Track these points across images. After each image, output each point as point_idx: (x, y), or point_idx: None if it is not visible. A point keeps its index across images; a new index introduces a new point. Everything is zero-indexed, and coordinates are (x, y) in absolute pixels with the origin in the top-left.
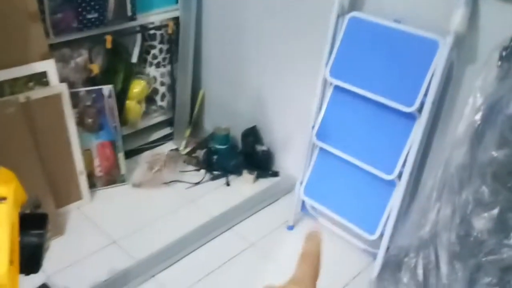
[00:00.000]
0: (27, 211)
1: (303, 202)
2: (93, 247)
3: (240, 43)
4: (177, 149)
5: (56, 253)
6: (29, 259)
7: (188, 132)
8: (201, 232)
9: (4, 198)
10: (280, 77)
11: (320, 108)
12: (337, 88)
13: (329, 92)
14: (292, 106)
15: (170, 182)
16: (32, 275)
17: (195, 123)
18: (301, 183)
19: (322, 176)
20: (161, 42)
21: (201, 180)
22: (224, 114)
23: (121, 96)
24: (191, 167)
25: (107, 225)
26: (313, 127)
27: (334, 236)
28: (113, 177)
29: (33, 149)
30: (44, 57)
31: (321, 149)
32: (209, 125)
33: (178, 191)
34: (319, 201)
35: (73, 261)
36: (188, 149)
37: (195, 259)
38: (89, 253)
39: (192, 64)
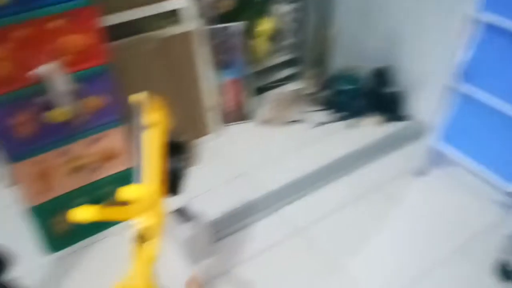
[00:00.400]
0: (172, 139)
1: (434, 148)
2: (223, 178)
3: None
4: (303, 88)
5: (191, 180)
6: (173, 182)
7: (314, 72)
8: (325, 172)
9: (156, 124)
10: (419, 13)
11: (464, 49)
12: (488, 27)
13: (477, 31)
14: (429, 46)
15: (295, 121)
16: (172, 198)
17: (323, 62)
18: (435, 128)
19: (461, 122)
20: None
21: (326, 121)
22: (353, 54)
23: (250, 32)
24: (316, 107)
25: (236, 159)
26: (455, 69)
27: (466, 187)
28: (241, 114)
29: (169, 82)
30: None
31: (462, 93)
32: (336, 65)
33: (302, 130)
34: (457, 148)
35: (205, 189)
36: (314, 89)
37: (319, 198)
38: (219, 183)
39: (323, 1)
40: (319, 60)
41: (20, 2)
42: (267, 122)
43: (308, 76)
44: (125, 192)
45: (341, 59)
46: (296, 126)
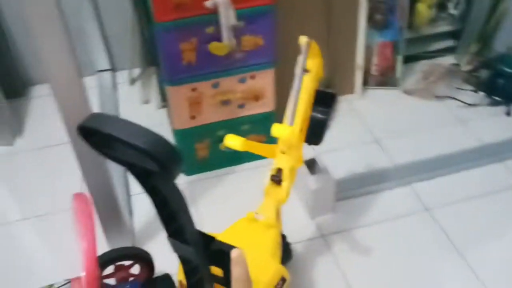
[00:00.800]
0: (320, 89)
1: None
2: (356, 140)
3: None
4: (457, 64)
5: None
6: (314, 132)
7: (474, 48)
8: (467, 156)
9: (309, 70)
10: None
11: None
12: None
13: None
14: None
15: (443, 97)
16: (308, 147)
17: (486, 39)
18: None
19: None
20: None
21: (477, 103)
22: None
23: None
24: (468, 87)
25: (373, 123)
26: None
27: None
28: (386, 79)
29: (324, 34)
30: None
31: None
32: (501, 44)
33: (449, 108)
34: None
35: (336, 147)
36: (470, 67)
37: (455, 181)
38: (351, 144)
39: None
40: (483, 35)
41: None
42: (412, 92)
43: (467, 52)
44: (276, 129)
45: (509, 39)
46: (443, 102)
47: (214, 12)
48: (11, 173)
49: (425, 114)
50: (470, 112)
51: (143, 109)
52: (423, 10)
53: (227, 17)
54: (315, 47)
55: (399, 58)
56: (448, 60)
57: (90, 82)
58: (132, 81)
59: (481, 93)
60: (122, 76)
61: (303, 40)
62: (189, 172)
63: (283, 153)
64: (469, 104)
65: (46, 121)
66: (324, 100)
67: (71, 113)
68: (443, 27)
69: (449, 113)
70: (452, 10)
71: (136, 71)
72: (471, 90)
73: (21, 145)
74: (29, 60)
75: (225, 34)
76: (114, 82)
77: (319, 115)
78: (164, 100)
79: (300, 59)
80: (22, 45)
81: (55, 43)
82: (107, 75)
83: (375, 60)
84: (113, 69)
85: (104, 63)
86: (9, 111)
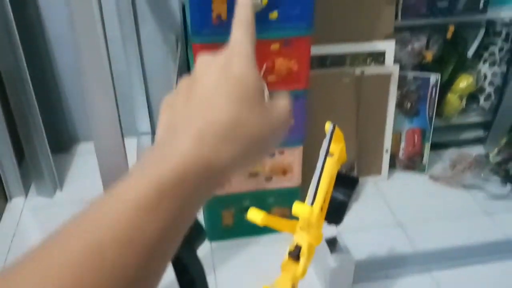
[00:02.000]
0: (343, 171)
1: None
2: (380, 222)
3: None
4: (486, 155)
5: (349, 215)
6: (334, 212)
7: (504, 140)
8: (491, 248)
9: (332, 154)
10: None
11: None
12: None
13: None
14: None
15: (470, 186)
16: (328, 227)
17: None
18: None
19: None
20: (504, 40)
21: (505, 195)
22: None
23: (445, 86)
24: (496, 178)
25: (396, 206)
26: None
27: None
28: (413, 164)
29: (354, 118)
30: (387, 37)
31: None
32: None
33: (475, 198)
34: None
35: (358, 227)
36: (499, 158)
37: (476, 272)
38: (374, 225)
39: None
40: None
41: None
42: (439, 179)
43: (497, 143)
44: (296, 207)
45: None
46: (470, 192)
47: None
48: (48, 223)
49: (450, 202)
50: (497, 205)
51: None
52: (454, 100)
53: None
54: (339, 133)
55: (427, 145)
56: (477, 150)
57: (131, 142)
58: None
59: (509, 186)
60: None
61: (327, 126)
62: (212, 238)
63: (303, 230)
64: (497, 196)
65: (86, 177)
66: (346, 183)
67: (110, 169)
68: (473, 118)
69: (475, 204)
70: (482, 102)
71: None
72: (499, 182)
73: (60, 198)
74: (78, 117)
75: None
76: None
77: (340, 197)
78: None
79: (324, 143)
80: (73, 102)
81: (105, 104)
82: (147, 138)
83: (403, 144)
84: (154, 133)
85: (146, 126)
86: (53, 165)
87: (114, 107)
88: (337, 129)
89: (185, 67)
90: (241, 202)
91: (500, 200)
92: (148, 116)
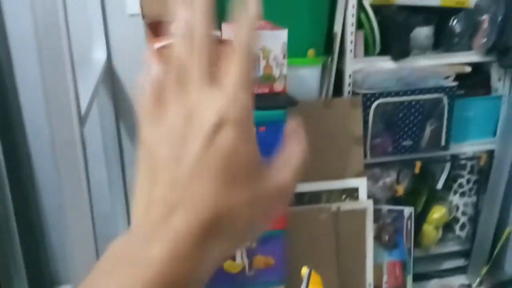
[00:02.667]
0: None
1: None
2: None
3: None
4: (469, 285)
5: None
6: None
7: (485, 270)
8: None
9: None
10: None
11: None
12: None
13: None
14: None
15: None
16: None
17: (495, 261)
18: None
19: None
20: (470, 172)
21: None
22: None
23: (420, 218)
24: None
25: None
26: None
27: None
28: None
29: (333, 254)
30: (358, 175)
31: None
32: (510, 268)
33: None
34: None
35: None
36: None
37: None
38: None
39: (501, 199)
40: (493, 258)
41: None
42: None
43: (478, 273)
44: None
45: None
46: None
47: None
48: None
49: None
50: None
51: None
52: (430, 231)
53: None
54: (316, 277)
55: (409, 277)
56: (459, 280)
57: None
58: None
59: None
60: None
61: (304, 271)
62: None
63: None
64: None
65: None
66: None
67: None
68: (452, 247)
69: None
70: (458, 232)
71: None
72: None
73: None
74: (59, 259)
75: (238, 253)
76: None
77: None
78: None
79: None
80: (56, 244)
81: (85, 249)
82: None
83: (385, 278)
84: None
85: None
86: None
87: (94, 252)
88: (313, 273)
89: None
90: None
91: None
92: None
